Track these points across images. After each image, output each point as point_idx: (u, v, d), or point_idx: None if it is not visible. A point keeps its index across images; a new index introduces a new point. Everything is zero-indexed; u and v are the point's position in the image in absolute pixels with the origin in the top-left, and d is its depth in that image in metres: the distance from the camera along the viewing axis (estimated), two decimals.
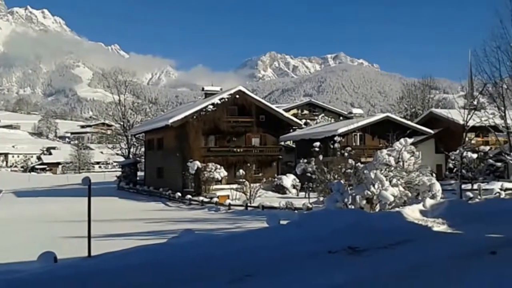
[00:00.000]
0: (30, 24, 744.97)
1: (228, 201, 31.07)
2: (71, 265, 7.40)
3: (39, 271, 6.82)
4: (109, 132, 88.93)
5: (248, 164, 37.96)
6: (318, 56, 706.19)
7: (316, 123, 61.23)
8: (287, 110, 58.26)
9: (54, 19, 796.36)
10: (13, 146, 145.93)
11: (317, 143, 37.99)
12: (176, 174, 39.76)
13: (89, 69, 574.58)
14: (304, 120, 57.92)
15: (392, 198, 15.68)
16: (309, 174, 32.79)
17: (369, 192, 15.66)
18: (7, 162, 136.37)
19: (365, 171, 16.69)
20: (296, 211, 23.31)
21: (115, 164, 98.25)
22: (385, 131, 37.14)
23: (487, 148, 39.88)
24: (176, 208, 33.00)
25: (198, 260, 7.44)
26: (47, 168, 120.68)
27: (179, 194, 36.43)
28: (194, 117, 39.31)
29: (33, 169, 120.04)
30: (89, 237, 11.15)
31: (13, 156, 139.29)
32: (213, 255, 7.72)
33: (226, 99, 40.47)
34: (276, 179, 38.82)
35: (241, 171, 36.81)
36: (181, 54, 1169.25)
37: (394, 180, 16.98)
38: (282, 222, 10.76)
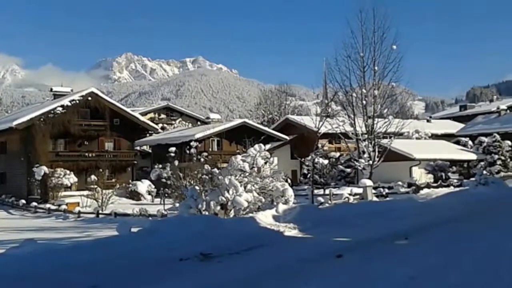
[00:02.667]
0: None
1: (78, 209, 29.71)
2: None
3: None
4: None
5: (101, 170, 36.40)
6: (176, 59, 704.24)
7: (174, 127, 60.90)
8: (143, 114, 57.18)
9: None
10: None
11: (173, 148, 37.88)
12: (20, 180, 37.23)
13: None
14: (161, 125, 57.31)
15: (246, 204, 16.03)
16: (164, 180, 32.45)
17: (223, 198, 15.85)
18: None
19: (220, 177, 16.90)
20: (150, 218, 22.89)
21: None
22: (242, 136, 38.00)
23: (338, 154, 42.61)
24: (20, 216, 30.79)
25: (38, 272, 6.94)
26: None
27: (23, 201, 34.15)
28: (42, 119, 37.09)
29: None
30: None
31: None
32: (55, 267, 7.24)
33: (77, 101, 38.76)
34: (130, 185, 37.91)
35: (93, 176, 35.19)
36: (28, 51, 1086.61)
37: (249, 186, 17.40)
38: (133, 229, 10.46)
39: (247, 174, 18.02)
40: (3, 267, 7.11)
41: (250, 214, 14.73)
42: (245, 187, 17.13)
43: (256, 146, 19.50)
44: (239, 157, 18.75)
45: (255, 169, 18.90)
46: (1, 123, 41.31)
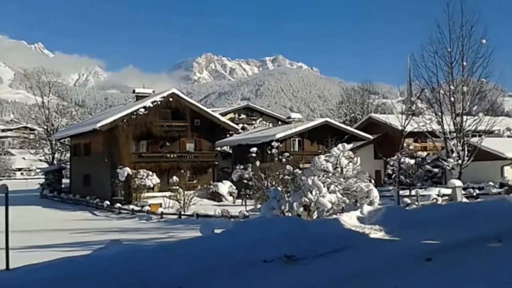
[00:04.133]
0: None
1: (160, 210, 30.69)
2: None
3: None
4: (31, 136, 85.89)
5: (182, 171, 37.50)
6: (256, 59, 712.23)
7: (254, 128, 61.51)
8: (223, 114, 58.23)
9: None
10: None
11: (254, 149, 38.17)
12: (104, 181, 38.88)
13: (10, 68, 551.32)
14: (241, 125, 58.05)
15: (329, 205, 15.90)
16: (246, 181, 32.88)
17: (306, 199, 15.81)
18: None
19: (302, 178, 16.85)
20: (232, 219, 23.28)
21: (38, 170, 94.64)
22: (324, 136, 37.76)
23: (425, 153, 41.36)
24: (105, 218, 32.28)
25: (125, 272, 7.21)
26: None
27: (107, 202, 35.65)
28: (125, 120, 38.58)
29: None
30: (7, 248, 10.69)
31: None
32: (141, 267, 7.51)
33: (159, 102, 39.97)
34: (211, 186, 38.69)
35: (174, 178, 36.36)
36: (110, 54, 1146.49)
37: (332, 187, 17.24)
38: (216, 230, 10.66)
39: (330, 174, 17.86)
40: (90, 268, 7.44)
41: (334, 216, 14.58)
42: (328, 188, 17.00)
43: (340, 145, 19.26)
44: (322, 157, 18.61)
45: (339, 169, 18.69)
46: (86, 125, 43.42)
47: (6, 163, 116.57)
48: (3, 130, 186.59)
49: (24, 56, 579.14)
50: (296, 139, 44.05)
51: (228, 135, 46.60)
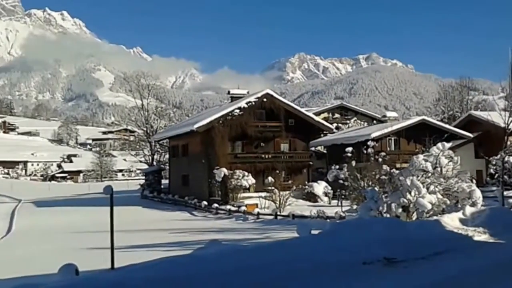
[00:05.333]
0: (49, 27, 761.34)
1: (256, 210, 31.17)
2: (93, 277, 7.43)
3: (59, 284, 6.86)
4: (131, 138, 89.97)
5: (277, 171, 37.92)
6: (349, 57, 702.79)
7: (348, 127, 60.92)
8: (317, 114, 58.08)
9: (73, 21, 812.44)
10: (33, 154, 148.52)
11: (350, 148, 37.72)
12: (202, 181, 39.97)
13: (110, 72, 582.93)
14: (335, 124, 57.66)
15: (429, 206, 15.53)
16: (341, 181, 32.61)
17: (405, 200, 15.54)
18: (26, 170, 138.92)
19: (400, 178, 16.57)
20: (328, 220, 23.28)
21: (138, 171, 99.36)
22: (421, 135, 36.64)
23: None
24: (203, 218, 33.23)
25: (225, 272, 7.47)
26: (68, 177, 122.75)
27: (205, 202, 36.63)
28: (220, 121, 39.46)
29: (53, 177, 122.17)
30: (112, 248, 11.32)
31: (32, 164, 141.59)
32: (241, 267, 7.75)
33: (253, 103, 40.53)
34: (306, 187, 38.74)
35: (269, 178, 36.85)
36: (205, 56, 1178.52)
37: (432, 187, 16.82)
38: (313, 231, 10.76)
39: (429, 174, 17.43)
40: (190, 268, 7.76)
41: (434, 217, 14.23)
42: (427, 189, 16.61)
43: (439, 144, 18.74)
44: (420, 156, 18.20)
45: (438, 169, 18.19)
46: (183, 127, 44.82)
47: (108, 165, 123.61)
48: (104, 133, 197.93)
49: (123, 60, 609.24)
50: (392, 138, 43.10)
51: (322, 135, 46.45)
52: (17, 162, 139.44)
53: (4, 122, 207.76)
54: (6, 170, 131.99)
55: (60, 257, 13.80)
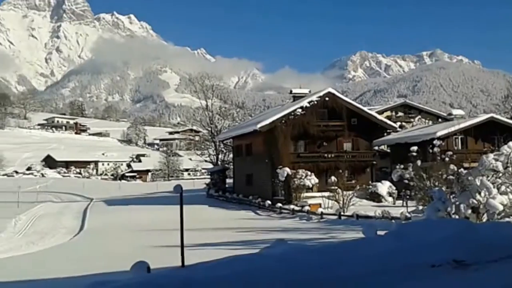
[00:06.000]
0: (117, 30, 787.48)
1: (320, 210, 31.07)
2: (165, 275, 7.62)
3: (132, 281, 7.04)
4: (197, 138, 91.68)
5: (340, 171, 37.61)
6: (412, 54, 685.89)
7: (412, 125, 59.50)
8: (380, 113, 57.06)
9: (140, 24, 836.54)
10: (103, 154, 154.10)
11: (414, 148, 36.85)
12: (265, 181, 40.21)
13: (176, 74, 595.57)
14: (398, 123, 56.44)
15: (501, 207, 15.00)
16: (406, 181, 31.93)
17: (474, 201, 15.08)
18: (97, 170, 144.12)
19: (469, 178, 16.09)
20: (393, 221, 22.92)
21: (203, 171, 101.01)
22: (490, 133, 35.46)
23: None
24: (267, 217, 33.44)
25: (292, 272, 7.54)
26: (137, 176, 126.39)
27: (269, 202, 36.84)
28: (283, 121, 39.59)
29: (123, 177, 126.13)
30: (182, 246, 11.60)
31: (103, 164, 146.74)
32: (307, 267, 7.79)
33: (315, 102, 40.40)
34: (370, 187, 38.22)
35: (332, 178, 36.64)
36: (267, 56, 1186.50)
37: (503, 188, 16.23)
38: (379, 232, 10.66)
39: (500, 174, 16.83)
40: (258, 267, 7.83)
41: (507, 219, 13.75)
42: (498, 189, 16.04)
43: (510, 143, 18.05)
44: (490, 155, 17.59)
45: (510, 169, 17.52)
46: (246, 126, 45.25)
47: (174, 164, 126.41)
48: (171, 133, 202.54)
49: (188, 62, 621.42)
50: (459, 137, 41.81)
51: (385, 134, 45.65)
52: (89, 162, 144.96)
53: (76, 123, 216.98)
54: (78, 170, 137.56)
55: (132, 255, 14.31)
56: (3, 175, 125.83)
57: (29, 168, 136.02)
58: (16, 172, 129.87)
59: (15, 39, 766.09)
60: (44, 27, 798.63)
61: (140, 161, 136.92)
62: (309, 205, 33.13)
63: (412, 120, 64.38)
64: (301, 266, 7.85)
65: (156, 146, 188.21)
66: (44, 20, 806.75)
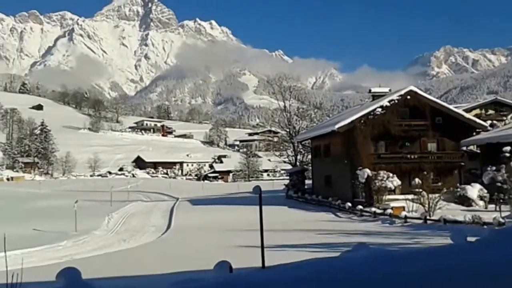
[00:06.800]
0: (199, 36, 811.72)
1: (403, 213, 29.98)
2: (246, 275, 7.60)
3: (215, 280, 7.08)
4: (275, 139, 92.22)
5: (425, 172, 36.08)
6: (503, 47, 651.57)
7: (505, 124, 56.27)
8: (468, 111, 54.45)
9: (221, 29, 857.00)
10: (187, 155, 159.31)
11: (508, 148, 34.76)
12: (345, 182, 39.55)
13: (254, 76, 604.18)
14: (489, 122, 53.56)
15: None
16: (499, 184, 30.15)
17: None
18: (182, 170, 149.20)
19: None
20: (485, 227, 21.62)
21: (282, 172, 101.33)
22: None
23: None
24: (347, 220, 32.85)
25: (374, 278, 7.20)
26: (219, 176, 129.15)
27: (349, 204, 36.14)
28: (362, 121, 38.78)
29: (206, 177, 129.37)
30: (262, 247, 11.56)
31: (187, 165, 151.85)
32: (390, 273, 7.41)
33: (396, 101, 39.25)
34: (458, 189, 36.36)
35: (416, 179, 35.29)
36: (344, 55, 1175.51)
37: None
38: (469, 238, 10.00)
39: None
40: (340, 270, 7.59)
41: None
42: None
43: None
44: None
45: None
46: (324, 127, 44.79)
47: (254, 165, 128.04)
48: (250, 134, 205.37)
49: (266, 64, 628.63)
50: None
51: (474, 133, 43.40)
52: (174, 163, 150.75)
53: (163, 126, 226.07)
54: (165, 170, 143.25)
55: (214, 254, 14.56)
56: (98, 175, 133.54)
57: (121, 169, 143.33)
58: (110, 173, 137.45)
59: (108, 48, 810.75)
60: (134, 35, 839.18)
61: (221, 162, 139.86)
62: (392, 208, 32.05)
63: (504, 118, 60.97)
64: (383, 272, 7.48)
65: (236, 147, 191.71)
66: (134, 29, 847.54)
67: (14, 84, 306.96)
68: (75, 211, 31.24)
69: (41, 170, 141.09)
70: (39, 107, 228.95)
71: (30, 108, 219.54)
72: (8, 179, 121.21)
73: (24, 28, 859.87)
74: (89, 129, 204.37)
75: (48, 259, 20.00)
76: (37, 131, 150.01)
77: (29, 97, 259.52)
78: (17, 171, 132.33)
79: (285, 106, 63.75)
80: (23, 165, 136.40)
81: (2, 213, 42.45)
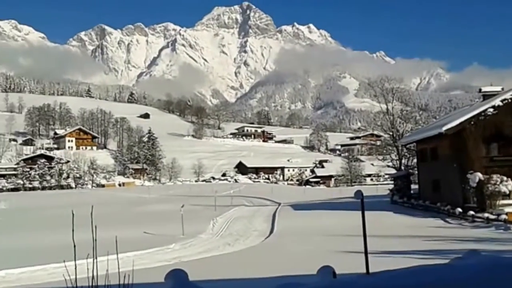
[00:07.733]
0: (297, 40, 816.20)
1: None
2: (350, 281, 7.57)
3: (319, 285, 7.11)
4: (378, 143, 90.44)
5: None
6: None
7: None
8: None
9: (319, 32, 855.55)
10: (288, 160, 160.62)
11: None
12: (454, 187, 37.88)
13: (355, 79, 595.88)
14: None
15: None
16: None
17: None
18: (283, 175, 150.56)
19: None
20: None
21: (386, 176, 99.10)
22: None
23: None
24: (457, 226, 31.48)
25: (485, 286, 6.94)
26: (321, 181, 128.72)
27: (459, 209, 34.58)
28: (472, 122, 36.94)
29: (307, 182, 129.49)
30: (366, 252, 11.44)
31: (288, 170, 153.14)
32: (501, 281, 7.09)
33: (510, 100, 36.98)
34: None
35: None
36: (451, 53, 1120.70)
37: None
38: None
39: None
40: (449, 278, 7.36)
41: None
42: None
43: None
44: None
45: None
46: (430, 129, 43.19)
47: (356, 170, 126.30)
48: (351, 138, 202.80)
49: (366, 66, 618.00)
50: None
51: None
52: (275, 168, 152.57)
53: (263, 132, 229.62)
54: (266, 176, 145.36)
55: (317, 259, 14.61)
56: (202, 180, 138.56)
57: (223, 174, 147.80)
58: (213, 178, 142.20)
59: (208, 56, 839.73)
60: (233, 43, 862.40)
61: (323, 166, 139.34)
62: (506, 214, 30.23)
63: None
64: (496, 281, 7.17)
65: (337, 152, 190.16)
66: (233, 36, 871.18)
67: (123, 94, 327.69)
68: (182, 215, 32.50)
69: (150, 176, 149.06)
70: (146, 116, 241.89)
71: (138, 116, 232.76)
72: (120, 185, 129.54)
73: (131, 41, 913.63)
74: (192, 136, 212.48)
75: (157, 261, 20.95)
76: (145, 139, 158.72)
77: (137, 106, 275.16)
78: (127, 177, 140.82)
79: (387, 109, 62.29)
80: (133, 171, 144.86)
81: (118, 217, 45.24)
